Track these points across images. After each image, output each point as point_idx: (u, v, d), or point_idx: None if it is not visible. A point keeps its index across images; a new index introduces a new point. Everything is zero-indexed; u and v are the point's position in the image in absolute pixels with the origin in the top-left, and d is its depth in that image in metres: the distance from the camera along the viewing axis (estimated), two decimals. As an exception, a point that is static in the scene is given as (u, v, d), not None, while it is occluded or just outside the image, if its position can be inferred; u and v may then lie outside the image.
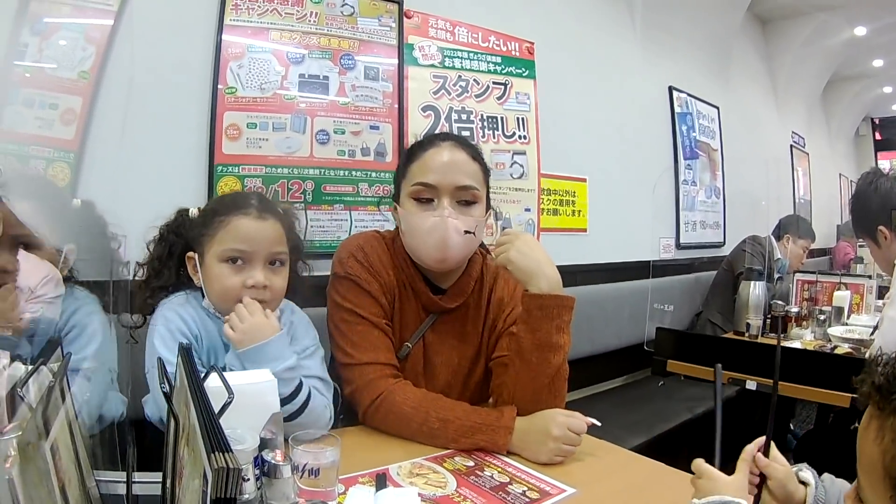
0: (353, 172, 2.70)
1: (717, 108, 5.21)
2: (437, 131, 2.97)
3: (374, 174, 2.77)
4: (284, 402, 1.49)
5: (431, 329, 1.79)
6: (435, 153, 1.69)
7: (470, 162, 1.69)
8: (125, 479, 1.09)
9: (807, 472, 1.13)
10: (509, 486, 1.34)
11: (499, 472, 1.42)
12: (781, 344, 3.20)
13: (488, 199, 1.76)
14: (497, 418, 1.54)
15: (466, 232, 1.65)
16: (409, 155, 1.76)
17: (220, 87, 2.43)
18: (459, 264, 1.75)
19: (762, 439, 1.14)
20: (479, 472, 1.41)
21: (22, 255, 1.55)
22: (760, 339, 3.39)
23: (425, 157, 1.69)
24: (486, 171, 1.74)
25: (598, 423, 1.55)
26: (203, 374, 1.00)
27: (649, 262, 4.10)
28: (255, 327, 1.48)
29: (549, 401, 1.58)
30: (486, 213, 1.75)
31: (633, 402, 3.49)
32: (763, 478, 1.13)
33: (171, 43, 2.36)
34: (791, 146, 6.79)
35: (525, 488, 1.34)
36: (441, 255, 1.67)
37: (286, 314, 1.71)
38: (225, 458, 0.63)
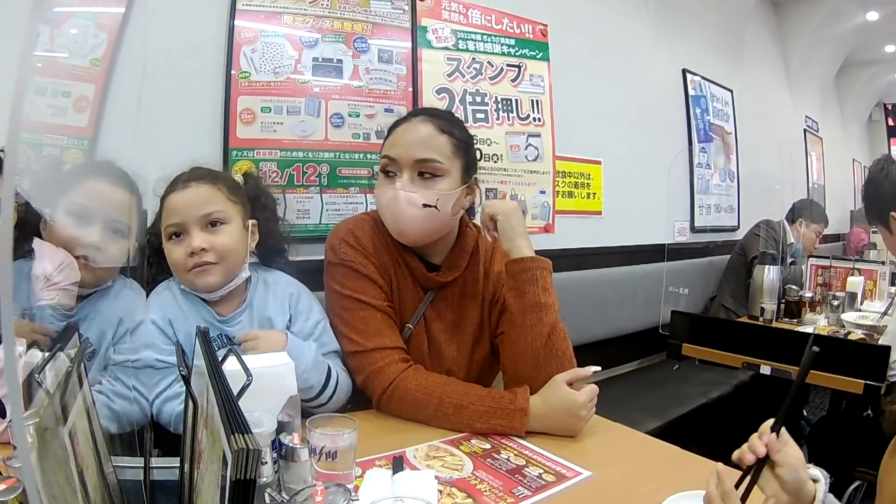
0: (369, 155, 2.67)
1: (731, 91, 5.14)
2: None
3: (388, 156, 2.73)
4: (322, 391, 1.58)
5: (431, 307, 1.78)
6: (403, 128, 1.70)
7: (436, 135, 1.66)
8: (143, 465, 1.09)
9: (815, 470, 1.06)
10: (525, 469, 1.34)
11: (515, 454, 1.42)
12: (794, 329, 3.21)
13: (467, 171, 1.73)
14: (511, 401, 1.53)
15: (425, 206, 1.63)
16: (387, 132, 1.76)
17: (233, 72, 2.40)
18: (425, 238, 1.73)
19: (772, 421, 1.04)
20: (496, 455, 1.41)
21: (37, 242, 1.56)
22: (775, 324, 3.38)
23: (395, 132, 1.71)
24: (459, 144, 1.70)
25: (599, 368, 1.60)
26: (221, 358, 0.99)
27: (664, 245, 4.07)
28: (270, 345, 1.50)
29: (551, 360, 1.59)
30: (463, 185, 1.71)
31: (648, 385, 3.46)
32: (763, 461, 1.04)
33: (184, 28, 2.34)
34: (804, 130, 6.71)
35: (541, 471, 1.34)
36: (397, 228, 1.68)
37: (281, 286, 1.75)
38: (244, 440, 0.62)
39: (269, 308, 1.69)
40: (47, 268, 1.52)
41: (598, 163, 3.76)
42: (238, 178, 1.80)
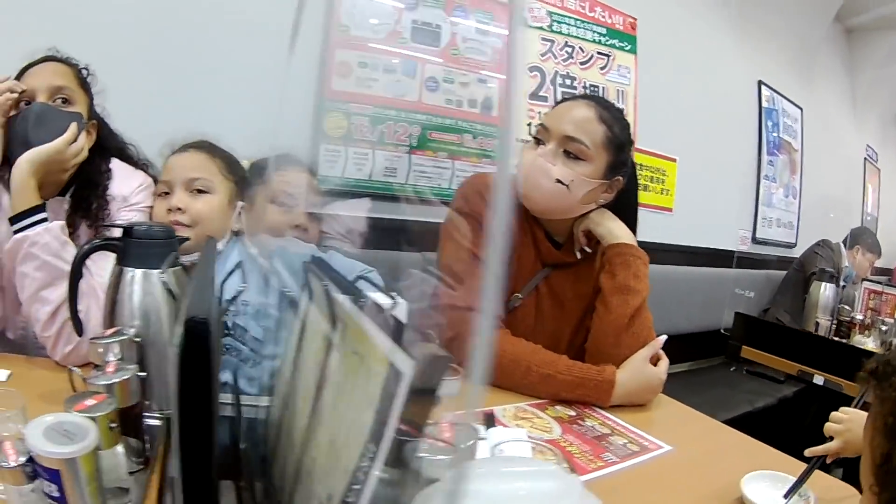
0: (459, 123, 2.64)
1: (801, 108, 5.03)
2: (542, 93, 2.94)
3: (479, 126, 2.70)
4: None
5: (545, 282, 1.73)
6: (566, 104, 1.67)
7: (593, 121, 1.60)
8: (233, 402, 1.05)
9: None
10: (610, 438, 1.34)
11: (600, 423, 1.42)
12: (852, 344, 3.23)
13: (612, 169, 1.64)
14: (599, 373, 1.51)
15: (558, 181, 1.57)
16: (554, 104, 1.76)
17: (333, 23, 2.37)
18: (547, 212, 1.67)
19: None
20: (581, 422, 1.41)
21: (115, 163, 1.58)
22: (828, 340, 3.35)
23: (559, 106, 1.69)
24: (613, 139, 1.62)
25: (666, 337, 1.62)
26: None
27: (726, 250, 4.03)
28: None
29: (631, 342, 1.58)
30: (603, 180, 1.63)
31: (697, 387, 3.38)
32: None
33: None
34: (865, 159, 6.56)
35: (626, 441, 1.33)
36: (526, 192, 1.63)
37: None
38: (430, 347, 0.57)
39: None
40: (124, 189, 1.54)
41: (674, 160, 3.69)
42: (246, 163, 1.77)
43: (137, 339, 0.98)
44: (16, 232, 1.31)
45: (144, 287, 1.04)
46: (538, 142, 1.63)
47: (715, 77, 4.09)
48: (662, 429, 1.44)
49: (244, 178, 1.69)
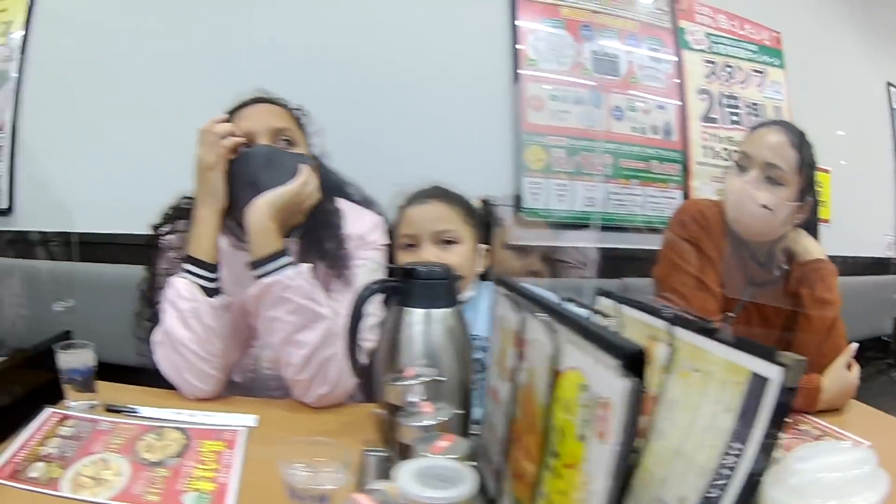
0: (646, 149, 2.74)
1: (922, 106, 4.95)
2: (710, 115, 3.02)
3: (663, 152, 2.80)
4: None
5: (752, 300, 1.82)
6: (761, 131, 1.74)
7: (787, 147, 1.68)
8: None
9: None
10: (823, 439, 1.42)
11: (811, 427, 1.49)
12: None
13: (804, 191, 1.72)
14: (807, 381, 1.58)
15: (764, 207, 1.67)
16: (751, 130, 1.84)
17: (521, 59, 2.51)
18: (754, 235, 1.76)
19: None
20: (797, 427, 1.49)
21: (344, 203, 1.56)
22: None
23: (755, 132, 1.77)
24: (804, 163, 1.70)
25: (857, 345, 1.67)
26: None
27: (881, 258, 4.02)
28: None
29: (829, 351, 1.65)
30: (800, 204, 1.72)
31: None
32: None
33: (470, 13, 2.48)
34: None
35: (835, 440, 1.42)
36: (734, 217, 1.73)
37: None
38: (788, 355, 0.66)
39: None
40: (358, 228, 1.51)
41: (828, 171, 3.71)
42: (476, 202, 1.74)
43: (442, 379, 0.98)
44: (259, 276, 1.30)
45: (427, 326, 1.06)
46: (741, 168, 1.73)
47: (850, 84, 4.05)
48: (859, 425, 1.51)
49: (484, 221, 1.71)
